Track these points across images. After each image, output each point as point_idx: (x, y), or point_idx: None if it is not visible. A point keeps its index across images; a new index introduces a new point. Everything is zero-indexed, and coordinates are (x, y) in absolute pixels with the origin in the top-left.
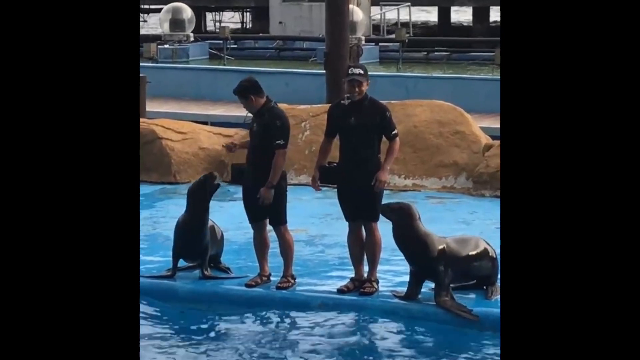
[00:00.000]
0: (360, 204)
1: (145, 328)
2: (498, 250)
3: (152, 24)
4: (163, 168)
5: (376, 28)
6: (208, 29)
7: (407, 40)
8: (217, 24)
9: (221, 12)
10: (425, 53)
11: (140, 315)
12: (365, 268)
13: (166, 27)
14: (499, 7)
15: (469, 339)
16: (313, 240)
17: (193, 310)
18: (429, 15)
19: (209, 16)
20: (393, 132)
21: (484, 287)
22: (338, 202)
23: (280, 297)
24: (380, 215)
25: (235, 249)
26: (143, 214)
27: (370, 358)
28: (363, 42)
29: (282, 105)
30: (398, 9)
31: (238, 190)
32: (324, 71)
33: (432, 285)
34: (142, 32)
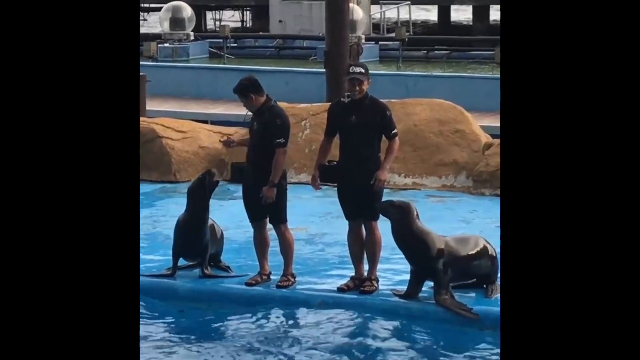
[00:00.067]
0: (361, 203)
1: (145, 327)
2: (498, 249)
3: (152, 23)
4: (163, 167)
5: (376, 27)
6: (208, 27)
7: (407, 39)
8: (217, 22)
9: (221, 11)
10: (425, 52)
11: (140, 314)
12: (365, 267)
13: (166, 26)
14: (498, 6)
15: (469, 337)
16: (313, 239)
17: (193, 309)
18: (429, 13)
19: (209, 15)
20: (393, 132)
21: (484, 286)
22: (338, 201)
23: (281, 296)
24: (380, 215)
25: (235, 248)
26: (143, 212)
27: (371, 356)
28: (363, 41)
29: (282, 104)
30: (398, 7)
31: (238, 189)
32: (324, 70)
33: (432, 284)
34: (142, 30)
